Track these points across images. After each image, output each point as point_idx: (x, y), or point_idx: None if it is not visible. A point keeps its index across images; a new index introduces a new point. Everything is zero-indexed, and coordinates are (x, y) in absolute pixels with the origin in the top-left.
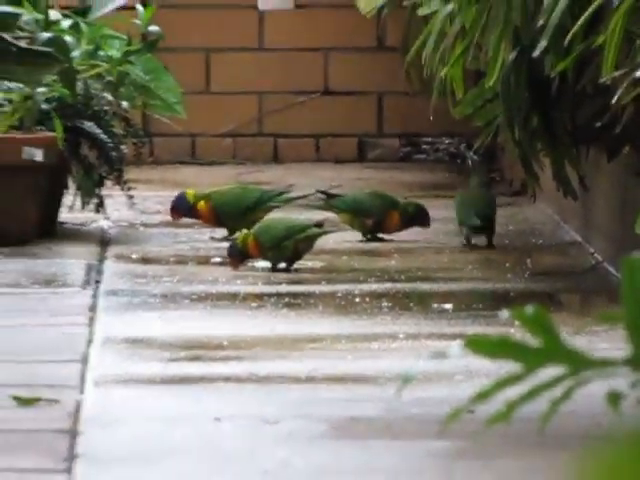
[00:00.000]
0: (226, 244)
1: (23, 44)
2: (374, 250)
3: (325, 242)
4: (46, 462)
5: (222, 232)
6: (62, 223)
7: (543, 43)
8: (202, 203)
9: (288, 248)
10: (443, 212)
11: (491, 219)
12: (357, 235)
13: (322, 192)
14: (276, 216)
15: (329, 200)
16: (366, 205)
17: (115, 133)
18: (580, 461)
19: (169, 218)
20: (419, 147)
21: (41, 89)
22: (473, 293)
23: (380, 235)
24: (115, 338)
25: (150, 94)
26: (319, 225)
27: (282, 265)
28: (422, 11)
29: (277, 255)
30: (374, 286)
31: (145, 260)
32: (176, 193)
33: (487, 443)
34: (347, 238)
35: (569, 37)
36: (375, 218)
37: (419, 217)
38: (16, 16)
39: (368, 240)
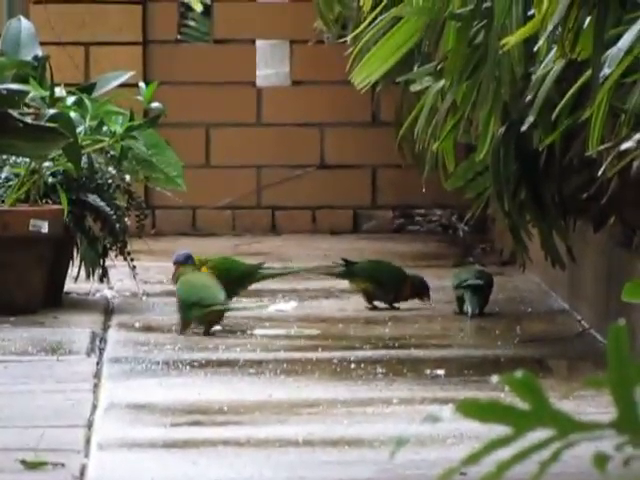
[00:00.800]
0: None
1: (29, 120)
2: (369, 318)
3: (322, 310)
4: None
5: None
6: (67, 293)
7: (531, 118)
8: (204, 268)
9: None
10: (435, 281)
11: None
12: (352, 303)
13: (343, 260)
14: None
15: (348, 267)
16: (385, 275)
17: (118, 206)
18: None
19: (171, 288)
20: (412, 218)
21: (47, 163)
22: (464, 359)
23: (396, 305)
24: (119, 404)
25: (152, 168)
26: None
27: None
28: (414, 87)
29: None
30: (369, 353)
31: (147, 328)
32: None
33: None
34: (342, 306)
35: (556, 112)
36: (394, 288)
37: (423, 289)
38: (22, 93)
39: (373, 308)
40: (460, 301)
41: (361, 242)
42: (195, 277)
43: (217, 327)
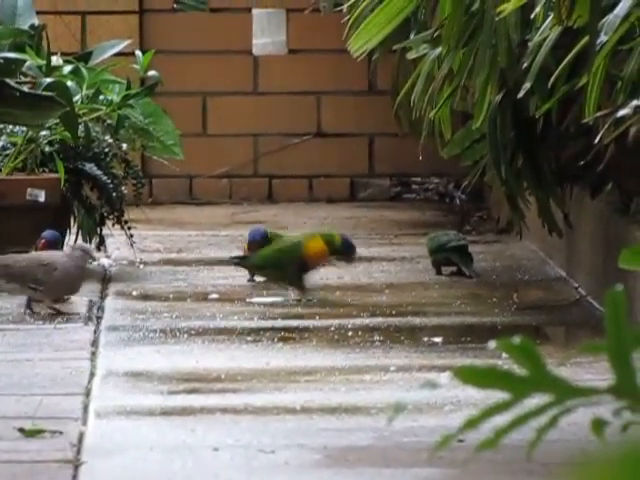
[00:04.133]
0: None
1: (26, 89)
2: (366, 286)
3: (320, 278)
4: None
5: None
6: None
7: (528, 85)
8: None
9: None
10: None
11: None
12: (350, 272)
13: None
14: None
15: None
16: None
17: (115, 174)
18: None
19: (168, 256)
20: (409, 187)
21: (44, 132)
22: (462, 327)
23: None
24: (116, 372)
25: (149, 137)
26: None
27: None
28: (411, 55)
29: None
30: (366, 320)
31: (145, 297)
32: (178, 232)
33: (476, 470)
34: (340, 274)
35: (553, 79)
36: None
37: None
38: (19, 62)
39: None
40: (438, 264)
41: (358, 210)
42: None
43: None
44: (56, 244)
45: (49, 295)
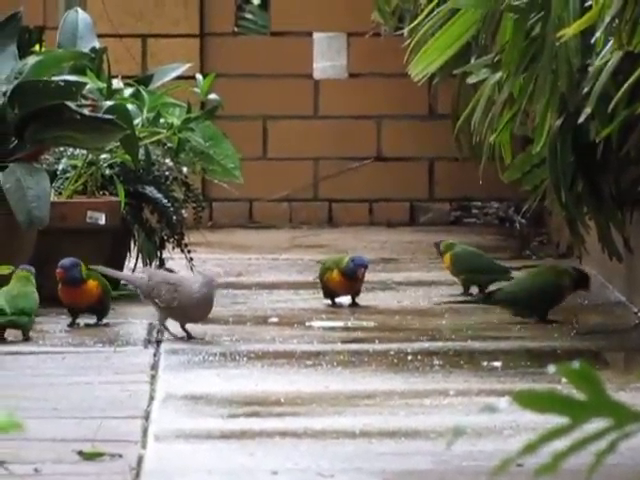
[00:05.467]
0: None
1: (87, 112)
2: (426, 310)
3: (379, 302)
4: None
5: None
6: (125, 285)
7: (588, 110)
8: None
9: None
10: None
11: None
12: (409, 296)
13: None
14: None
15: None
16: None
17: (176, 198)
18: None
19: (227, 279)
20: (469, 211)
21: (104, 155)
22: (521, 351)
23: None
24: (175, 395)
25: (209, 160)
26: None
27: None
28: (471, 79)
29: None
30: (426, 344)
31: (205, 320)
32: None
33: None
34: (399, 298)
35: (613, 104)
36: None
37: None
38: (80, 85)
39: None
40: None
41: (418, 234)
42: None
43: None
44: (73, 271)
45: (174, 316)
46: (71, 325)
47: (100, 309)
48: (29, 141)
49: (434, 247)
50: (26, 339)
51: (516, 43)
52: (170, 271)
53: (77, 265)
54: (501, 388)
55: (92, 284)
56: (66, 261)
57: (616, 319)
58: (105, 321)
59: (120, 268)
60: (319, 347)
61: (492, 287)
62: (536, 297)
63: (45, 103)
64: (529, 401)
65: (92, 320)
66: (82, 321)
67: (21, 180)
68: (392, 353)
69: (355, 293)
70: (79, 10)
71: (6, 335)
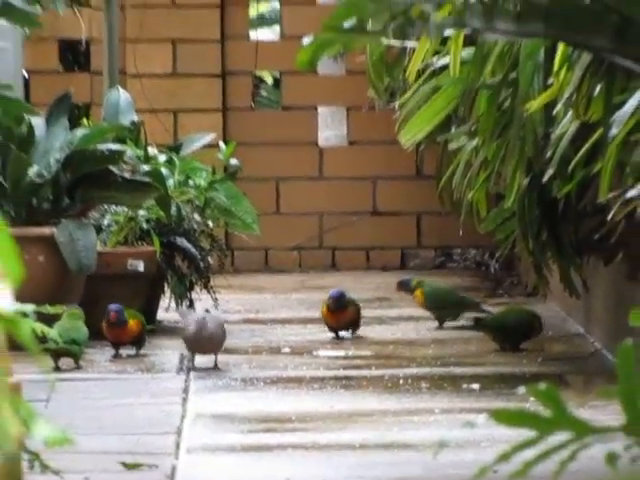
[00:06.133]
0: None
1: (127, 175)
2: (415, 341)
3: (375, 334)
4: None
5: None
6: (160, 321)
7: (551, 171)
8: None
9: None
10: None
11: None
12: (401, 329)
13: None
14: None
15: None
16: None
17: (203, 247)
18: None
19: (247, 316)
20: (451, 257)
21: (142, 212)
22: (495, 375)
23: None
24: (203, 414)
25: (231, 215)
26: None
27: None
28: (452, 145)
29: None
30: (415, 370)
31: (227, 351)
32: (256, 296)
33: None
34: (393, 331)
35: (572, 166)
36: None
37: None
38: (121, 152)
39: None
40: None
41: (408, 277)
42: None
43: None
44: (120, 315)
45: (190, 349)
46: (115, 356)
47: (139, 342)
48: (79, 200)
49: (397, 287)
50: (77, 367)
51: (490, 115)
52: (207, 311)
53: (122, 309)
54: (479, 407)
55: (132, 323)
56: (114, 306)
57: (576, 348)
58: (143, 352)
59: (156, 308)
60: (324, 373)
61: (478, 316)
62: (512, 328)
63: (92, 168)
64: (503, 418)
65: (132, 351)
66: (124, 352)
67: (72, 233)
68: (386, 378)
69: (353, 326)
70: (120, 89)
71: (60, 364)
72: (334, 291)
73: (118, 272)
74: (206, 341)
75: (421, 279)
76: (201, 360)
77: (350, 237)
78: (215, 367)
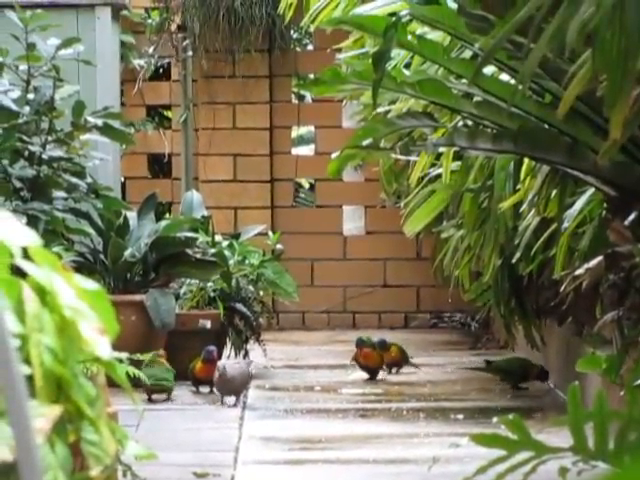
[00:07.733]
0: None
1: (198, 256)
2: (415, 382)
3: (385, 377)
4: None
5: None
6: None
7: (518, 254)
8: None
9: None
10: (455, 359)
11: None
12: (404, 374)
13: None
14: None
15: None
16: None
17: (255, 310)
18: None
19: (288, 363)
20: (442, 319)
21: (209, 284)
22: (475, 408)
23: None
24: (255, 436)
25: (276, 286)
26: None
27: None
28: (444, 235)
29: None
30: (414, 404)
31: (273, 388)
32: (295, 347)
33: None
34: (397, 375)
35: (533, 251)
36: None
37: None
38: (194, 239)
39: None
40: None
41: (410, 334)
42: None
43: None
44: (214, 353)
45: (219, 391)
46: (196, 392)
47: (211, 382)
48: (162, 274)
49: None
50: (167, 399)
51: (472, 212)
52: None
53: (215, 350)
54: (463, 432)
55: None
56: (211, 347)
57: (536, 388)
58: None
59: (219, 357)
60: (347, 405)
61: (488, 360)
62: (514, 371)
63: (172, 251)
64: (481, 440)
65: (207, 389)
66: (202, 389)
67: (157, 299)
68: (393, 409)
69: (374, 370)
70: (194, 192)
71: (153, 397)
72: (358, 338)
73: (191, 329)
74: (224, 384)
75: (382, 338)
76: (254, 394)
77: (366, 304)
78: (235, 405)
